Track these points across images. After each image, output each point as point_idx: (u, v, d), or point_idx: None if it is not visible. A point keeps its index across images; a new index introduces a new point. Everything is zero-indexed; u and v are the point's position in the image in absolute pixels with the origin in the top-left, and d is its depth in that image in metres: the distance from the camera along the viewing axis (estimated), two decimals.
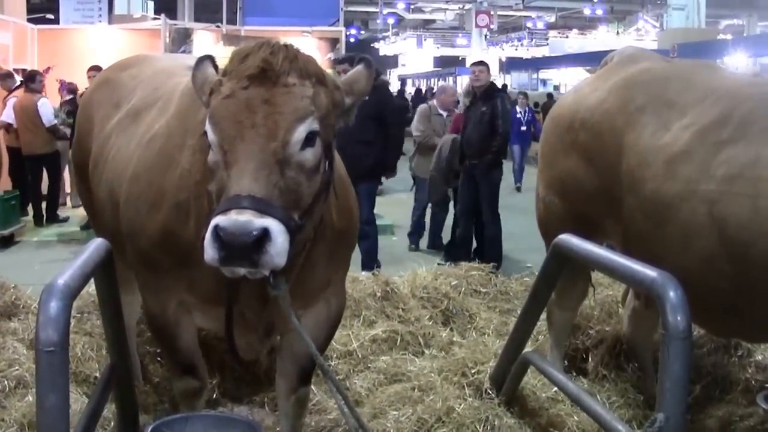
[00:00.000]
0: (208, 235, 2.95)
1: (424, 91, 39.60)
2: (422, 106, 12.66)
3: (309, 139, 3.15)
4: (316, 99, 3.21)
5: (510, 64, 46.20)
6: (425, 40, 57.88)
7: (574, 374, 5.73)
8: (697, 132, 4.41)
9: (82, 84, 12.92)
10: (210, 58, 3.51)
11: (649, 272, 3.44)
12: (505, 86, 26.91)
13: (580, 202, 5.11)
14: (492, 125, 10.16)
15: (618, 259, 3.80)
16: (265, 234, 2.91)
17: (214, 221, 2.94)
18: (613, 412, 5.06)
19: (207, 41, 17.06)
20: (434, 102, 12.60)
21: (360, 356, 6.01)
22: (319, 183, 3.27)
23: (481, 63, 11.15)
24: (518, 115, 19.02)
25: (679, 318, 3.23)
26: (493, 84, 11.17)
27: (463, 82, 32.69)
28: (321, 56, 16.43)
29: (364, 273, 7.33)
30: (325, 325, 4.20)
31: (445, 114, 12.07)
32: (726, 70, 5.43)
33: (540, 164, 5.55)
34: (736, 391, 5.55)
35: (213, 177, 3.20)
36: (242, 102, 3.12)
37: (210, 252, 2.95)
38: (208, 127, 3.19)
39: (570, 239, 4.22)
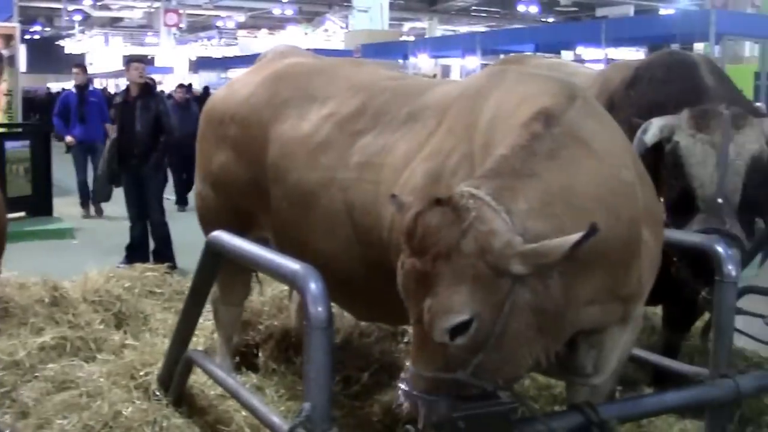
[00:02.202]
0: None
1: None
2: None
3: None
4: None
5: (199, 64, 45.91)
6: (113, 38, 56.38)
7: (246, 369, 5.80)
8: (336, 123, 4.61)
9: None
10: None
11: (292, 265, 3.52)
12: (207, 88, 26.68)
13: (234, 195, 5.19)
14: (158, 124, 10.14)
15: (263, 254, 3.88)
16: None
17: None
18: (282, 405, 5.23)
19: None
20: None
21: (28, 365, 5.77)
22: None
23: (140, 60, 11.23)
24: None
25: (319, 309, 3.30)
26: (148, 82, 11.13)
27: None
28: None
29: (32, 279, 7.06)
30: None
31: None
32: (371, 66, 5.60)
33: (197, 159, 5.57)
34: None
35: None
36: None
37: None
38: None
39: (220, 235, 4.24)
